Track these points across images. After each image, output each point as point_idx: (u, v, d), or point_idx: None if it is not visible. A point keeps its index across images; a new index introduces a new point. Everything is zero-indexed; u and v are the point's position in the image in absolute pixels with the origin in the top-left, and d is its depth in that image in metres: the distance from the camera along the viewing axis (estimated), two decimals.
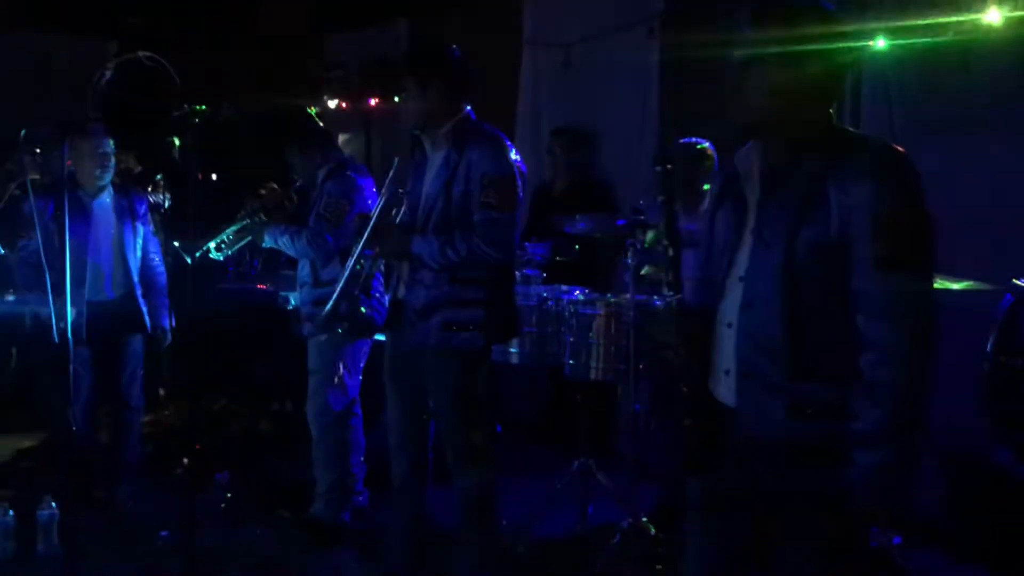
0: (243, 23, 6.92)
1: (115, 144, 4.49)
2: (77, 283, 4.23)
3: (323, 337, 4.06)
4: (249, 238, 4.27)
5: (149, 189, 5.66)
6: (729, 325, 2.14)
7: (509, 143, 3.30)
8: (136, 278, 4.52)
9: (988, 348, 3.52)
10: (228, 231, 4.22)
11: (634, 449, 4.06)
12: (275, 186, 4.30)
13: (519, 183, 3.25)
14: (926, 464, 3.84)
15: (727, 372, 2.15)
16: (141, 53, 6.46)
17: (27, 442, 5.44)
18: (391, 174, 3.36)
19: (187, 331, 4.81)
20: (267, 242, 4.21)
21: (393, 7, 6.54)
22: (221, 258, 4.25)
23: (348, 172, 4.20)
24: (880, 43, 4.26)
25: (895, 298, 1.93)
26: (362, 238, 3.36)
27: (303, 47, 7.20)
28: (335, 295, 3.48)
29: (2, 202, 4.75)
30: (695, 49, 5.04)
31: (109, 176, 4.45)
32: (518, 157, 3.29)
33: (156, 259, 4.67)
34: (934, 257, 2.01)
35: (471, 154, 3.20)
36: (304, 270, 4.20)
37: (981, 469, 3.79)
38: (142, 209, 4.59)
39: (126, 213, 4.51)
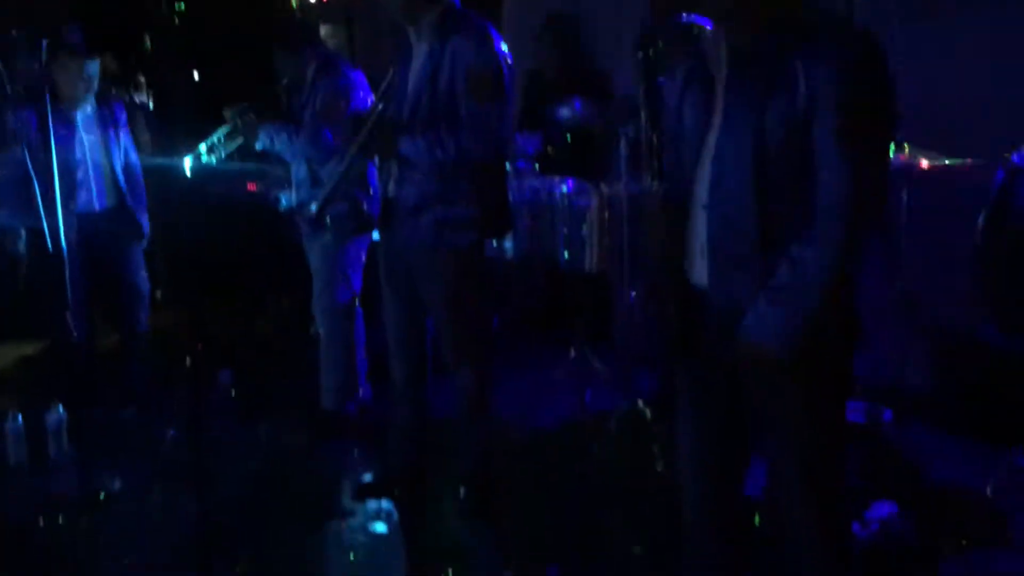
0: None
1: (89, 45, 4.38)
2: (67, 195, 4.22)
3: (326, 236, 4.05)
4: (240, 140, 4.20)
5: (132, 88, 5.56)
6: (704, 207, 2.17)
7: (495, 33, 3.20)
8: (124, 186, 4.51)
9: (979, 224, 3.54)
10: (218, 133, 4.15)
11: (629, 337, 4.13)
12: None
13: (506, 74, 3.16)
14: (917, 339, 3.92)
15: (702, 253, 2.19)
16: None
17: (30, 349, 5.50)
18: (385, 85, 3.28)
19: (180, 234, 4.82)
20: (261, 143, 4.12)
21: None
22: (213, 162, 4.20)
23: (340, 67, 4.12)
24: None
25: (851, 170, 1.97)
26: (355, 143, 3.29)
27: None
28: (322, 196, 3.44)
29: None
30: None
31: (93, 92, 4.38)
32: (505, 48, 3.22)
33: (136, 164, 4.64)
34: (892, 136, 2.05)
35: (455, 45, 3.11)
36: (301, 170, 4.13)
37: (971, 344, 3.87)
38: (123, 117, 4.55)
39: (109, 122, 4.46)
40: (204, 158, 4.16)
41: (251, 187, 5.03)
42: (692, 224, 2.22)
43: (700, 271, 2.20)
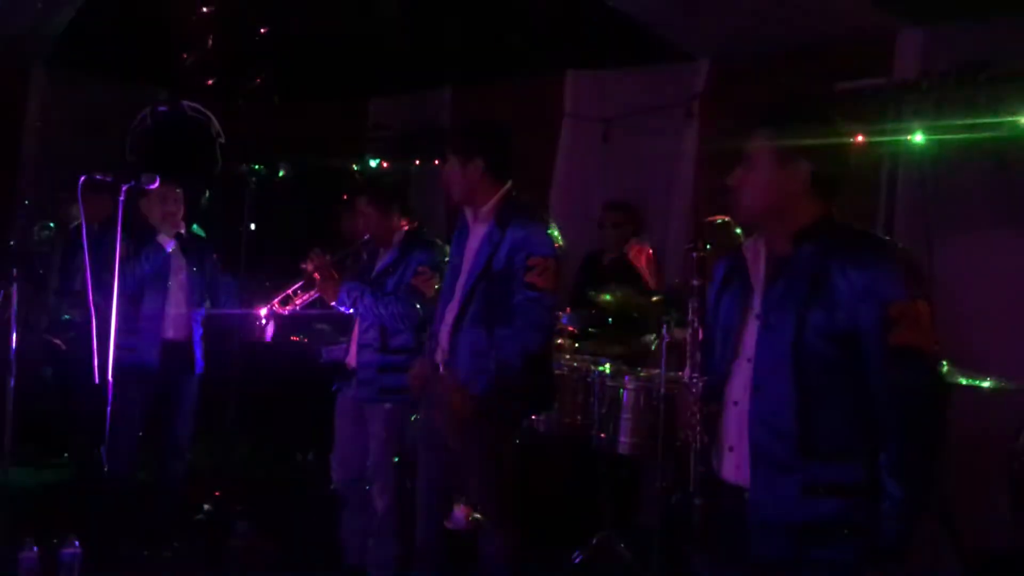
0: (289, 83, 7.09)
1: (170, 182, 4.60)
2: (145, 321, 4.37)
3: (387, 405, 4.01)
4: (316, 294, 4.28)
5: None
6: (736, 404, 2.23)
7: (550, 223, 3.37)
8: (197, 321, 4.61)
9: (1019, 444, 3.53)
10: (298, 286, 4.24)
11: (658, 523, 4.06)
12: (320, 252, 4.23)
13: (559, 262, 3.31)
14: (953, 558, 3.82)
15: (731, 449, 2.24)
16: (186, 103, 6.68)
17: (56, 477, 5.48)
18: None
19: (216, 377, 4.87)
20: (340, 301, 4.10)
21: (438, 75, 6.71)
22: (286, 312, 4.29)
23: (431, 240, 4.17)
24: (918, 138, 4.35)
25: (907, 386, 2.04)
26: None
27: (347, 108, 7.36)
28: None
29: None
30: (732, 132, 5.15)
31: (178, 224, 4.55)
32: (557, 235, 3.35)
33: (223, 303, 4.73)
34: (937, 343, 2.10)
35: (514, 233, 3.27)
36: (370, 333, 4.05)
37: (1011, 565, 3.77)
38: (211, 255, 4.69)
39: (194, 258, 4.62)
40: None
41: (294, 338, 5.14)
42: (722, 419, 2.27)
43: (729, 465, 2.24)
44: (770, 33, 4.96)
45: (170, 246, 4.52)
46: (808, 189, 2.18)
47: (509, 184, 3.39)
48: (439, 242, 4.17)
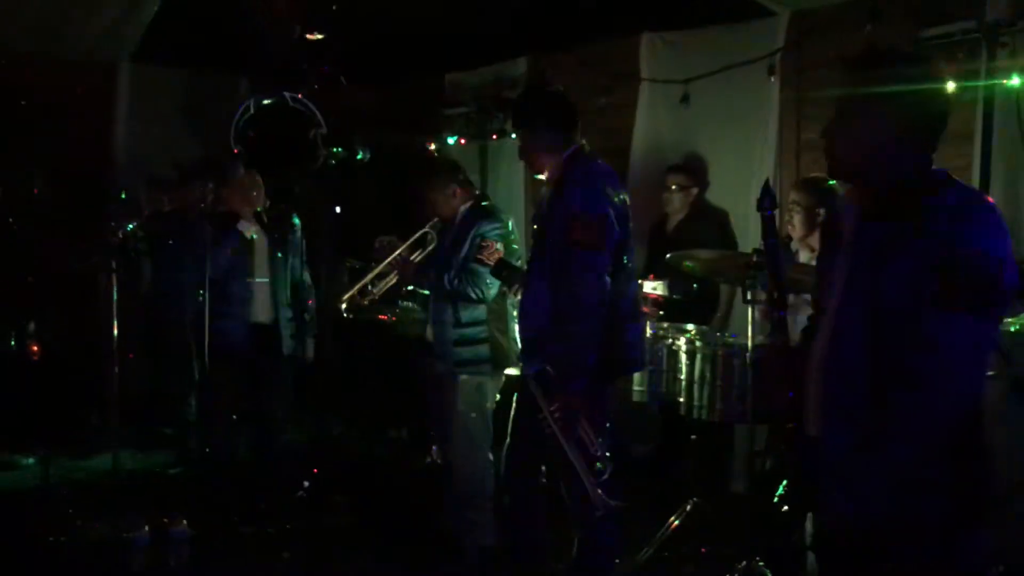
0: (363, 62, 7.12)
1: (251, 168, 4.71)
2: (235, 305, 4.49)
3: (464, 375, 4.09)
4: (392, 281, 4.36)
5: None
6: (820, 361, 2.19)
7: (611, 180, 3.31)
8: (284, 303, 4.72)
9: None
10: (372, 275, 4.32)
11: (749, 490, 4.01)
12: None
13: (612, 221, 3.22)
14: None
15: (814, 404, 2.20)
16: (288, 94, 6.78)
17: (162, 459, 5.70)
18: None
19: (307, 357, 4.98)
20: (418, 281, 4.19)
21: (513, 46, 6.66)
22: (366, 303, 4.38)
23: (497, 212, 4.22)
24: (1015, 81, 4.15)
25: (948, 336, 1.95)
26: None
27: (423, 84, 7.38)
28: None
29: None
30: (815, 87, 5.02)
31: (260, 208, 4.66)
32: (617, 194, 3.29)
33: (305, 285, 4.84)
34: (998, 301, 2.00)
35: (566, 194, 3.25)
36: (444, 310, 4.12)
37: None
38: (295, 238, 4.80)
39: (279, 242, 4.73)
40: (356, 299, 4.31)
41: (382, 317, 5.21)
42: (813, 378, 2.21)
43: (812, 421, 2.20)
44: None
45: (253, 232, 4.63)
46: (909, 139, 2.09)
47: (573, 147, 3.35)
48: (500, 211, 4.21)
